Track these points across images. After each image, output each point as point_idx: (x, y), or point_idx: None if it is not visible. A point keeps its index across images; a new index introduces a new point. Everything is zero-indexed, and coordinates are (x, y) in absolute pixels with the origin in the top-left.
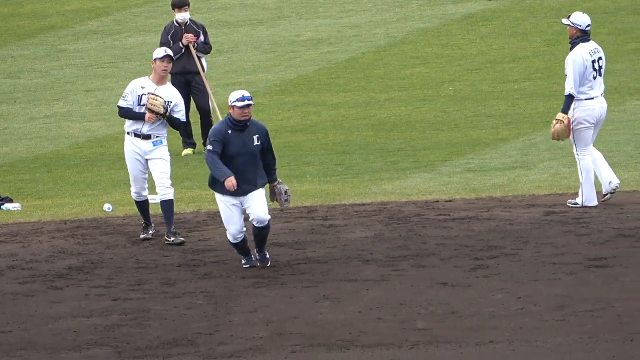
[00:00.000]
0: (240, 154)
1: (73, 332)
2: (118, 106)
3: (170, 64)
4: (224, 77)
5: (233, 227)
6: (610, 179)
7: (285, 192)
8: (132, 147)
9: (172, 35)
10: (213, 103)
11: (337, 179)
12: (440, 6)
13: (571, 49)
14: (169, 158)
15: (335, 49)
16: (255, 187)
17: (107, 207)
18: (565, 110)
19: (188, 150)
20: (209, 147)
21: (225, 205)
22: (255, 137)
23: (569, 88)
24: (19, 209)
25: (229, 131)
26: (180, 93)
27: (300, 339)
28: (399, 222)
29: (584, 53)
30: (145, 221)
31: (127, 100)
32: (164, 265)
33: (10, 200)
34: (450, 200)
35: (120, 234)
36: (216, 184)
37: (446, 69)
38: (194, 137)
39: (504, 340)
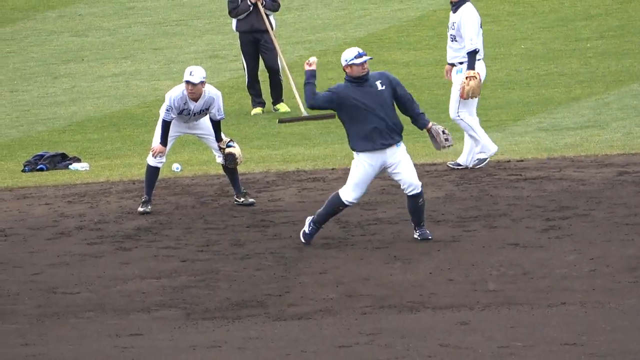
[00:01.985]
0: (369, 107)
1: (142, 294)
2: (164, 120)
3: (197, 87)
4: (293, 35)
5: (359, 192)
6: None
7: (444, 132)
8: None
9: None
10: (282, 62)
11: (408, 139)
12: None
13: (457, 8)
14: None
15: (406, 6)
16: (395, 140)
17: (175, 167)
18: (472, 66)
19: (257, 110)
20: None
21: (364, 165)
22: (378, 83)
23: (473, 43)
24: (87, 169)
25: (351, 88)
26: (249, 51)
27: (370, 301)
28: (470, 182)
29: (476, 11)
30: (148, 194)
31: (172, 112)
32: (233, 226)
33: (78, 160)
34: (522, 160)
35: (189, 194)
36: (357, 143)
37: (518, 27)
38: (263, 96)
39: (576, 302)
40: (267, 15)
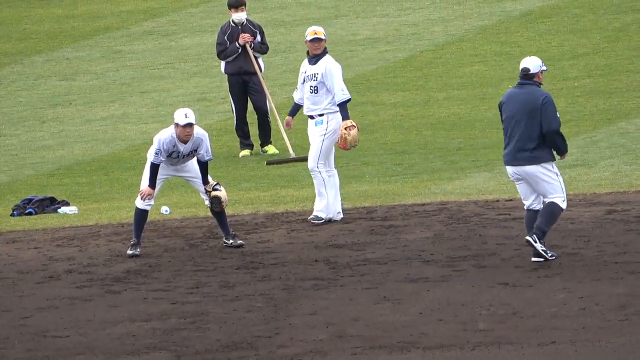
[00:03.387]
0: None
1: (131, 337)
2: (152, 163)
3: (192, 128)
4: (280, 77)
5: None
6: (339, 210)
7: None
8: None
9: (228, 35)
10: (271, 103)
11: (397, 179)
12: (499, 3)
13: (318, 60)
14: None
15: (393, 47)
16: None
17: (164, 209)
18: (347, 115)
19: (245, 152)
20: None
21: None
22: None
23: (345, 93)
24: (76, 212)
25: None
26: (238, 93)
27: (360, 341)
28: (459, 222)
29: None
30: (137, 237)
31: (161, 155)
32: (222, 267)
33: (67, 204)
34: (511, 200)
35: (178, 236)
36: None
37: (505, 67)
38: (251, 139)
39: (567, 341)
40: (256, 58)
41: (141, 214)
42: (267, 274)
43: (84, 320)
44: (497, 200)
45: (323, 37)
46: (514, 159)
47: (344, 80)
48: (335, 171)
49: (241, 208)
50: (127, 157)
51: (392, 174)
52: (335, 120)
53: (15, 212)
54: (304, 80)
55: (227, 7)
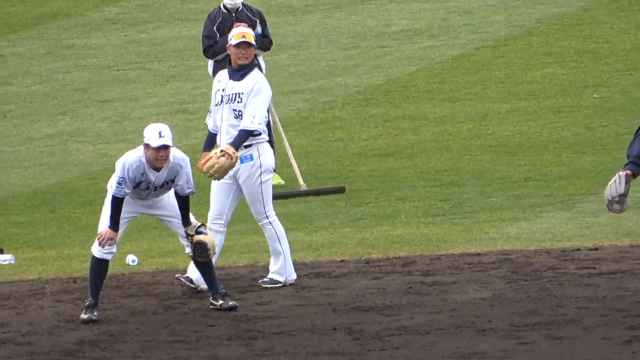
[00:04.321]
0: None
1: None
2: (114, 196)
3: (168, 151)
4: (288, 81)
5: None
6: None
7: None
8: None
9: (218, 25)
10: (274, 117)
11: (443, 220)
12: None
13: (247, 73)
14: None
15: (439, 42)
16: None
17: (130, 259)
18: (238, 145)
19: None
20: None
21: None
22: None
23: (258, 120)
24: (12, 262)
25: None
26: None
27: None
28: (527, 278)
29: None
30: (94, 296)
31: (126, 187)
32: (208, 337)
33: (1, 251)
34: (596, 249)
35: (149, 295)
36: None
37: (589, 70)
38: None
39: None
40: (255, 56)
41: (100, 265)
42: (269, 346)
43: None
44: (578, 250)
45: (253, 43)
46: None
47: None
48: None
49: (235, 258)
50: (82, 188)
51: (436, 212)
52: (267, 153)
53: None
54: (221, 101)
55: None
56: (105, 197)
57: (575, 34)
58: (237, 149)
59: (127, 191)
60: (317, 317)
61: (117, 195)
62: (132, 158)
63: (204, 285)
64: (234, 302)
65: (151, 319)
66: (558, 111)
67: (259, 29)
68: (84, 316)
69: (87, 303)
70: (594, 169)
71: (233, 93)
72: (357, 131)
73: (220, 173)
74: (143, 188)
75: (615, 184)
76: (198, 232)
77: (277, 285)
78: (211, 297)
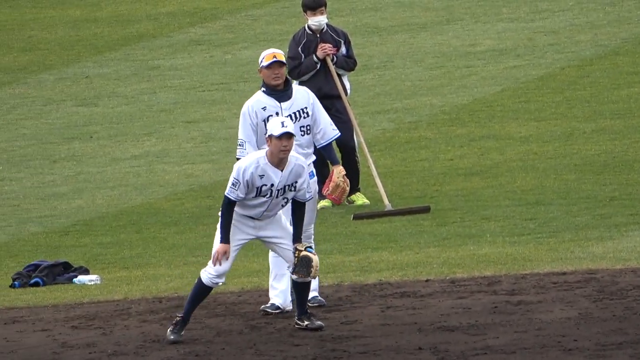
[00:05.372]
0: None
1: None
2: (227, 197)
3: (291, 141)
4: (373, 102)
5: None
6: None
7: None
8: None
9: (303, 46)
10: (360, 137)
11: (528, 239)
12: None
13: (290, 87)
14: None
15: (525, 62)
16: None
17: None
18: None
19: (325, 202)
20: None
21: None
22: None
23: (334, 127)
24: (98, 282)
25: None
26: None
27: None
28: (613, 297)
29: None
30: (187, 314)
31: (239, 190)
32: (294, 358)
33: (86, 272)
34: None
35: (234, 315)
36: None
37: None
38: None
39: None
40: (340, 76)
41: (204, 290)
42: None
43: None
44: None
45: (285, 62)
46: None
47: None
48: None
49: (320, 277)
50: (167, 209)
51: (522, 232)
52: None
53: (16, 283)
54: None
55: (301, 9)
56: (191, 218)
57: None
58: (339, 163)
59: (241, 195)
60: (402, 337)
61: (229, 197)
62: (249, 160)
63: (289, 307)
64: (320, 322)
65: (237, 338)
66: None
67: (343, 49)
68: (171, 336)
69: (177, 319)
70: None
71: (295, 112)
72: (442, 151)
73: (345, 195)
74: (265, 194)
75: None
76: (307, 250)
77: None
78: (296, 318)
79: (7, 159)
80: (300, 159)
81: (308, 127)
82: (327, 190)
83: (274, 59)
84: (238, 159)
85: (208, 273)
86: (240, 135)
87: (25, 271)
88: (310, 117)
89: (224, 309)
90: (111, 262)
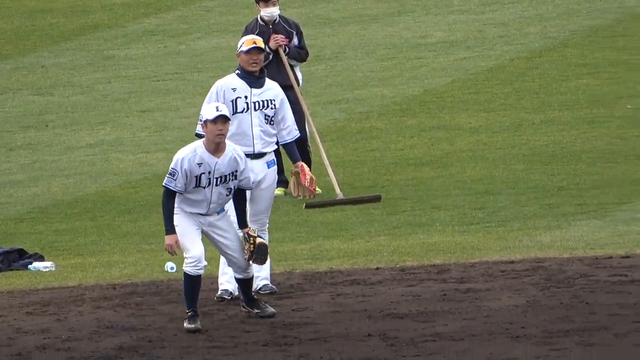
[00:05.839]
0: None
1: None
2: (166, 187)
3: (226, 126)
4: (325, 92)
5: None
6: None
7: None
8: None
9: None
10: (311, 127)
11: (477, 228)
12: None
13: (264, 79)
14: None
15: (475, 54)
16: None
17: (169, 266)
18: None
19: (278, 191)
20: None
21: None
22: None
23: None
24: (52, 269)
25: None
26: None
27: None
28: (560, 285)
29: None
30: (194, 307)
31: (177, 180)
32: (245, 344)
33: (41, 258)
34: (628, 257)
35: None
36: None
37: (624, 80)
38: (284, 173)
39: None
40: (292, 67)
41: (194, 281)
42: (305, 352)
43: None
44: (610, 257)
45: (264, 49)
46: None
47: None
48: None
49: (272, 265)
50: (121, 197)
51: (471, 221)
52: None
53: None
54: (247, 108)
55: (254, 1)
56: (144, 206)
57: (609, 45)
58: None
59: (179, 186)
60: (352, 324)
61: (168, 186)
62: (186, 150)
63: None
64: (272, 310)
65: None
66: (591, 121)
67: (295, 40)
68: (189, 326)
69: (189, 314)
70: (627, 179)
71: (263, 100)
72: (393, 141)
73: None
74: (204, 185)
75: None
76: (259, 236)
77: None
78: (244, 304)
79: None
80: (237, 149)
81: (272, 118)
82: (306, 182)
83: (254, 45)
84: (197, 134)
85: (187, 264)
86: (203, 111)
87: None
88: (275, 110)
89: (177, 296)
90: (66, 249)
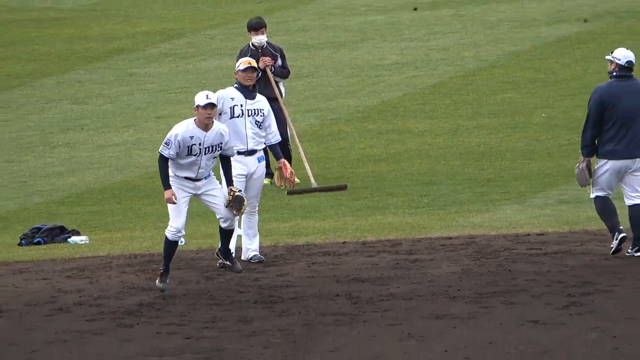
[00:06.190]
0: None
1: None
2: (160, 154)
3: (214, 110)
4: (303, 103)
5: None
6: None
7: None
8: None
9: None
10: (292, 130)
11: (423, 211)
12: (533, 28)
13: (256, 93)
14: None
15: (421, 73)
16: None
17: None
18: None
19: (265, 181)
20: None
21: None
22: None
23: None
24: (87, 242)
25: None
26: None
27: None
28: (488, 256)
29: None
30: (166, 266)
31: (170, 149)
32: (239, 302)
33: (78, 233)
34: (542, 234)
35: (193, 268)
36: None
37: (538, 94)
38: (270, 167)
39: None
40: (277, 83)
41: (171, 245)
42: (286, 308)
43: (94, 355)
44: (528, 235)
45: (257, 68)
46: (636, 151)
47: None
48: None
49: (260, 240)
50: (141, 185)
51: (418, 205)
52: None
53: (23, 242)
54: (242, 114)
55: (246, 30)
56: (161, 193)
57: (529, 66)
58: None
59: (172, 153)
60: (324, 286)
61: (162, 153)
62: (180, 125)
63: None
64: (240, 267)
65: (194, 287)
66: (514, 127)
67: (279, 61)
68: (159, 284)
69: (161, 271)
70: (541, 173)
71: (255, 108)
72: (357, 142)
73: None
74: (195, 153)
75: (584, 174)
76: (240, 192)
77: (262, 260)
78: (221, 253)
79: (16, 146)
80: (222, 125)
81: (261, 124)
82: (287, 175)
83: (249, 65)
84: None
85: (169, 231)
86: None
87: (30, 232)
88: (263, 117)
89: (185, 264)
90: (97, 226)
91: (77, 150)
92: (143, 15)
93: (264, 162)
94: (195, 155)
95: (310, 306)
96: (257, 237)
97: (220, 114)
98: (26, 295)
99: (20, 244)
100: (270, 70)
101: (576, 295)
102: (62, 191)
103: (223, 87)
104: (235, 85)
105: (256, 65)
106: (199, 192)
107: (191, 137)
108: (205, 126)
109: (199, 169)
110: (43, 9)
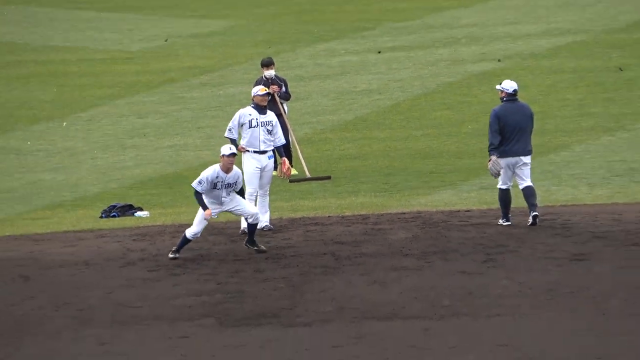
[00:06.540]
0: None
1: (187, 307)
2: (195, 189)
3: (234, 158)
4: (300, 118)
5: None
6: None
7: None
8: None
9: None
10: (292, 137)
11: (384, 194)
12: (462, 65)
13: (267, 109)
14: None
15: (383, 97)
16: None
17: (214, 214)
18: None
19: (274, 172)
20: None
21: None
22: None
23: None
24: (148, 215)
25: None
26: None
27: (357, 313)
28: (430, 226)
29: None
30: (179, 249)
31: (203, 186)
32: (255, 258)
33: (141, 209)
34: (469, 211)
35: (222, 234)
36: None
37: (465, 112)
38: (277, 163)
39: (508, 314)
40: (282, 103)
41: (186, 241)
42: (288, 263)
43: (153, 295)
44: (459, 211)
45: (270, 93)
46: (524, 151)
47: None
48: None
49: (270, 214)
50: (187, 175)
51: (381, 190)
52: None
53: (103, 215)
54: (257, 124)
55: (260, 66)
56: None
57: (459, 92)
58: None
59: (203, 188)
60: (315, 247)
61: (196, 189)
62: (210, 169)
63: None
64: (264, 247)
65: (223, 247)
66: (448, 135)
67: (284, 88)
68: (170, 255)
69: (174, 249)
70: (468, 167)
71: (266, 120)
72: (338, 145)
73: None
74: (218, 187)
75: (495, 165)
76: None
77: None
78: (248, 243)
79: (99, 147)
80: (238, 170)
81: (270, 132)
82: (284, 170)
83: (266, 92)
84: (226, 137)
85: (190, 231)
86: (230, 124)
87: (108, 209)
88: (272, 127)
89: (217, 231)
90: (155, 204)
91: (141, 151)
92: (188, 55)
93: (273, 159)
94: (218, 189)
95: (305, 261)
96: (268, 213)
97: (241, 125)
98: (105, 253)
99: (101, 217)
100: (277, 95)
101: (492, 254)
102: (131, 179)
103: (243, 106)
104: (252, 105)
105: (269, 91)
106: (226, 209)
107: (216, 177)
108: (227, 169)
109: (221, 198)
110: (117, 51)
